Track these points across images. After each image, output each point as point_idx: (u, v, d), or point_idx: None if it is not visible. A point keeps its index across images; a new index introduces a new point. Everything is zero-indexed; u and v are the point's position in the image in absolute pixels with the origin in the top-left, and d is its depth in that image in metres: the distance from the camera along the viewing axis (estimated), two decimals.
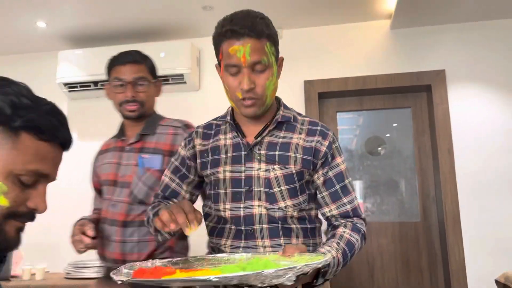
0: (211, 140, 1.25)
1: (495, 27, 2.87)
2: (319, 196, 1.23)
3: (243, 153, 1.19)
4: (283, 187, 1.16)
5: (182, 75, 2.92)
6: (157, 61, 1.71)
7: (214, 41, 1.17)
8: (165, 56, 2.88)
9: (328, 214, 1.22)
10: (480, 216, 2.72)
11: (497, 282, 2.40)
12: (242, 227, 1.17)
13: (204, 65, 3.13)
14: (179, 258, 1.08)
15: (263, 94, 1.14)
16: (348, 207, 1.21)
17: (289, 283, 0.78)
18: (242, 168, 1.17)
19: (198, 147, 1.26)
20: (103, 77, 1.67)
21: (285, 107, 1.26)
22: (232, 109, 1.26)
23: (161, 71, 3.05)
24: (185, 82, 2.97)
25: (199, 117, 1.29)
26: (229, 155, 1.20)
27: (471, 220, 2.73)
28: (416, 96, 2.98)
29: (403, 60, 2.92)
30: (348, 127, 3.20)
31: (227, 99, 1.20)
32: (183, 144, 1.30)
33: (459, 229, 2.71)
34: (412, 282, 2.86)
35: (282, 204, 1.16)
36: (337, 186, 1.21)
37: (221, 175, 1.19)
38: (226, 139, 1.23)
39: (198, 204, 1.27)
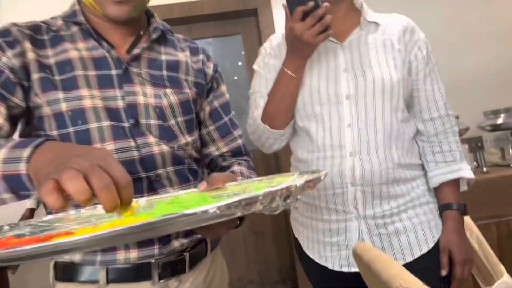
0: (50, 51, 0.82)
1: None
2: (203, 132, 0.99)
3: (114, 72, 0.84)
4: (180, 118, 0.88)
5: None
6: None
7: None
8: None
9: (216, 153, 1.00)
10: None
11: None
12: (142, 174, 0.82)
13: None
14: (14, 224, 0.62)
15: None
16: (240, 141, 1.02)
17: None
18: (118, 93, 0.83)
19: (31, 55, 0.80)
20: None
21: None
22: (81, 7, 0.88)
23: None
24: None
25: None
26: (91, 73, 0.82)
27: None
28: (245, 21, 2.90)
29: None
30: None
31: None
32: None
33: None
34: None
35: (182, 141, 0.89)
36: (226, 118, 1.01)
37: (88, 102, 0.79)
38: (80, 49, 0.83)
39: None
